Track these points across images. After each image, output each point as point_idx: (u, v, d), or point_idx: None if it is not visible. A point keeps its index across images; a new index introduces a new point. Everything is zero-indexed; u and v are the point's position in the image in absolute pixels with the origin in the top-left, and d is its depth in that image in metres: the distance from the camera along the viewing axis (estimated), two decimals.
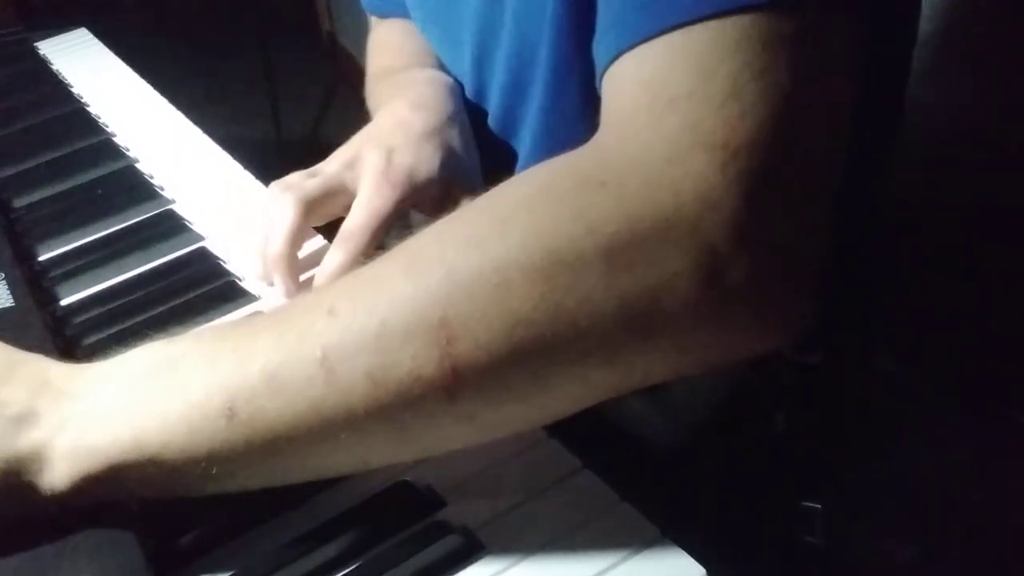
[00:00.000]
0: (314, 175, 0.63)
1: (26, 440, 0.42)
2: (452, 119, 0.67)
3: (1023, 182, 0.63)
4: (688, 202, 0.37)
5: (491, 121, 0.71)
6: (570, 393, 0.41)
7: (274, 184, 0.63)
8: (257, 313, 0.51)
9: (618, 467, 0.46)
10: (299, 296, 0.51)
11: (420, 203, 0.63)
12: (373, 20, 0.91)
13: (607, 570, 0.41)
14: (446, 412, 0.40)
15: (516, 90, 0.67)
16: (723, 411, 0.66)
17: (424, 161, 0.63)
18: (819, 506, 0.69)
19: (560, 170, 0.41)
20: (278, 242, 0.61)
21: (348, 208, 0.62)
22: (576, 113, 0.63)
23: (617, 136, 0.41)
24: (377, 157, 0.62)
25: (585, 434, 0.48)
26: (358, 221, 0.60)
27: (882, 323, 0.74)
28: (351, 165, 0.63)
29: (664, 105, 0.39)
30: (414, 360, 0.39)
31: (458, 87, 0.72)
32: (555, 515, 0.44)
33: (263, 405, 0.40)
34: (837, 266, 0.46)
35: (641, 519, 0.43)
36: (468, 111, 0.73)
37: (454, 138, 0.66)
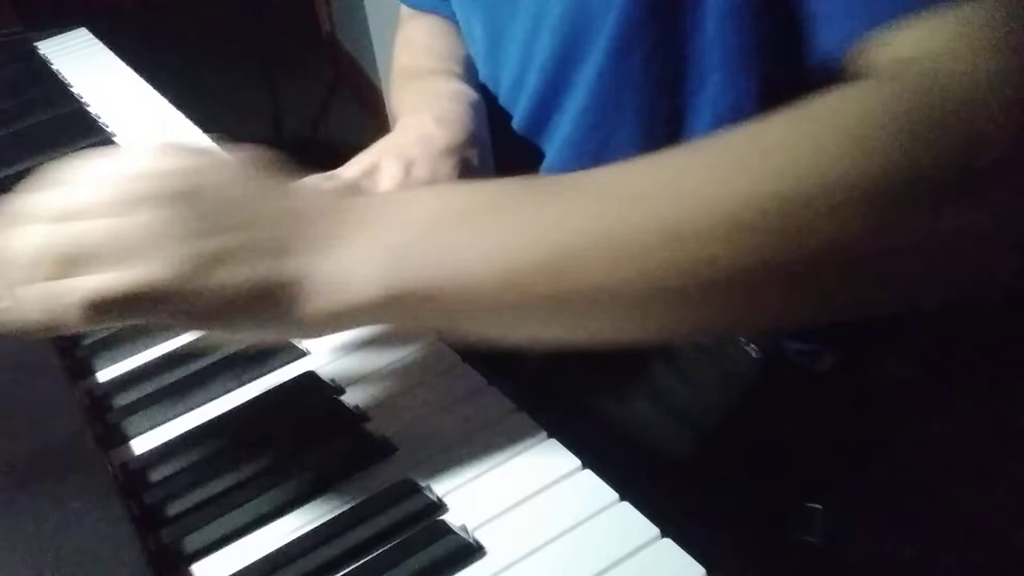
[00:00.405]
0: (332, 179, 0.63)
1: (278, 271, 0.42)
2: (473, 138, 0.67)
3: None
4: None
5: (527, 109, 0.72)
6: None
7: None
8: (560, 179, 0.45)
9: (618, 467, 0.46)
10: (593, 175, 0.45)
11: None
12: (404, 13, 0.91)
13: (607, 570, 0.41)
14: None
15: (564, 64, 0.67)
16: (727, 415, 0.66)
17: (442, 176, 0.63)
18: (819, 506, 0.69)
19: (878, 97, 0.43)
20: None
21: None
22: (632, 92, 0.63)
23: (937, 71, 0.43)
24: (396, 168, 0.62)
25: (585, 434, 0.48)
26: None
27: (885, 326, 0.74)
28: (369, 174, 0.63)
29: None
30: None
31: (481, 104, 0.73)
32: (555, 515, 0.44)
33: (588, 263, 0.41)
34: None
35: (641, 519, 0.43)
36: (506, 104, 0.74)
37: (473, 157, 0.66)
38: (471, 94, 0.72)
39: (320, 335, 0.46)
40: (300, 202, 0.44)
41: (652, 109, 0.64)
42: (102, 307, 0.40)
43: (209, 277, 0.41)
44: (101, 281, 0.40)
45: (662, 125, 0.64)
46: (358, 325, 0.45)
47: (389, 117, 0.78)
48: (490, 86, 0.78)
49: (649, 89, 0.63)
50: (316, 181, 0.63)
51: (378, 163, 0.63)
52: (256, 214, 0.43)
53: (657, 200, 0.41)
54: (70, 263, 0.41)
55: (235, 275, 0.41)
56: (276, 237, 0.42)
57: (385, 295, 0.42)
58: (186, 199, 0.42)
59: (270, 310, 0.42)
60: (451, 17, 0.86)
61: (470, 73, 0.78)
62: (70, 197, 0.42)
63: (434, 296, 0.42)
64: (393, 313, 0.43)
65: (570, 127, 0.69)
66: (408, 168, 0.62)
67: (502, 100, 0.76)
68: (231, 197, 0.43)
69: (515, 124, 0.74)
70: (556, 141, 0.71)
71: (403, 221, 0.43)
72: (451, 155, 0.64)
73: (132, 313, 0.41)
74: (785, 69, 0.59)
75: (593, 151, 0.68)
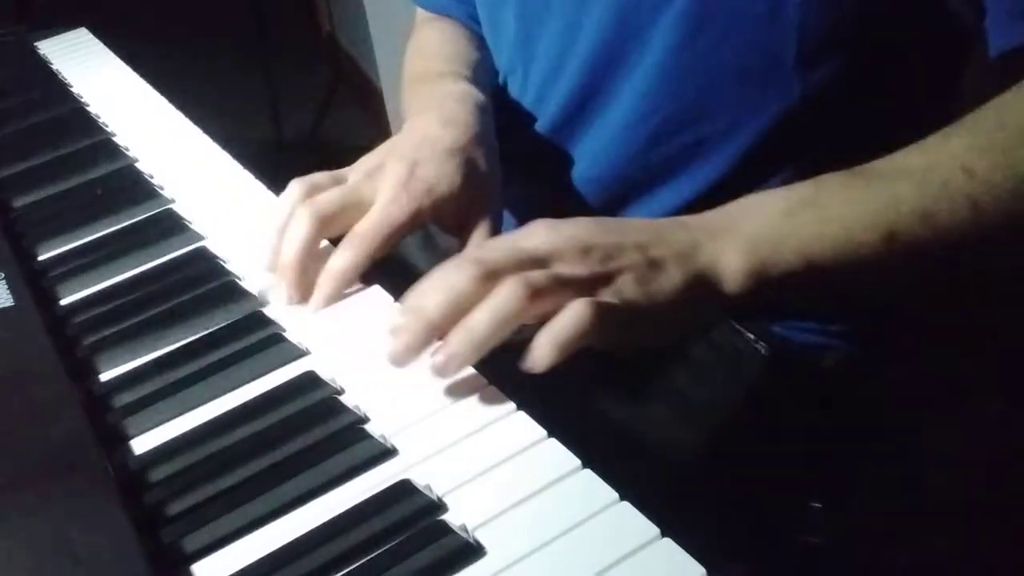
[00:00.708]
0: (339, 180, 0.64)
1: (699, 259, 0.54)
2: (480, 138, 0.68)
3: None
4: None
5: (566, 97, 0.72)
6: None
7: (297, 182, 0.63)
8: (860, 169, 0.57)
9: (618, 467, 0.46)
10: (902, 160, 0.57)
11: (439, 218, 0.64)
12: (418, 18, 0.91)
13: (607, 570, 0.41)
14: None
15: (615, 54, 0.68)
16: (730, 414, 0.66)
17: (446, 176, 0.63)
18: (820, 506, 0.69)
19: None
20: (290, 254, 0.61)
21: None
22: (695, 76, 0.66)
23: None
24: (400, 168, 0.63)
25: (585, 434, 0.48)
26: (370, 224, 0.61)
27: (889, 322, 0.74)
28: (373, 175, 0.63)
29: None
30: None
31: (489, 106, 0.73)
32: (555, 515, 0.44)
33: (918, 235, 0.54)
34: None
35: (641, 519, 0.43)
36: (538, 95, 0.75)
37: (479, 157, 0.66)
38: (478, 96, 0.73)
39: (744, 304, 0.55)
40: (672, 220, 0.56)
41: (723, 94, 0.66)
42: (597, 327, 0.49)
43: (662, 282, 0.52)
44: (597, 304, 0.49)
45: (740, 112, 0.66)
46: (771, 292, 0.55)
47: (390, 120, 0.79)
48: (518, 77, 0.78)
49: (719, 75, 0.65)
50: (322, 179, 0.63)
51: (383, 163, 0.64)
52: (659, 229, 0.55)
53: (953, 179, 0.54)
54: (546, 295, 0.49)
55: (676, 275, 0.53)
56: (684, 240, 0.54)
57: (752, 271, 0.54)
58: (612, 237, 0.53)
59: (705, 294, 0.53)
60: (465, 20, 0.86)
61: (480, 76, 0.78)
62: (535, 245, 0.52)
63: (793, 271, 0.54)
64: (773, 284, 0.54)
65: (621, 114, 0.69)
66: (412, 168, 0.63)
67: (534, 92, 0.76)
68: (636, 226, 0.55)
69: (550, 115, 0.74)
70: (604, 128, 0.71)
71: (760, 215, 0.55)
72: (456, 155, 0.65)
73: (614, 328, 0.50)
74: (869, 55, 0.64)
75: (649, 134, 0.69)
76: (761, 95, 0.65)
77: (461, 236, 0.64)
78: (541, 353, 0.48)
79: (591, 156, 0.73)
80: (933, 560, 0.72)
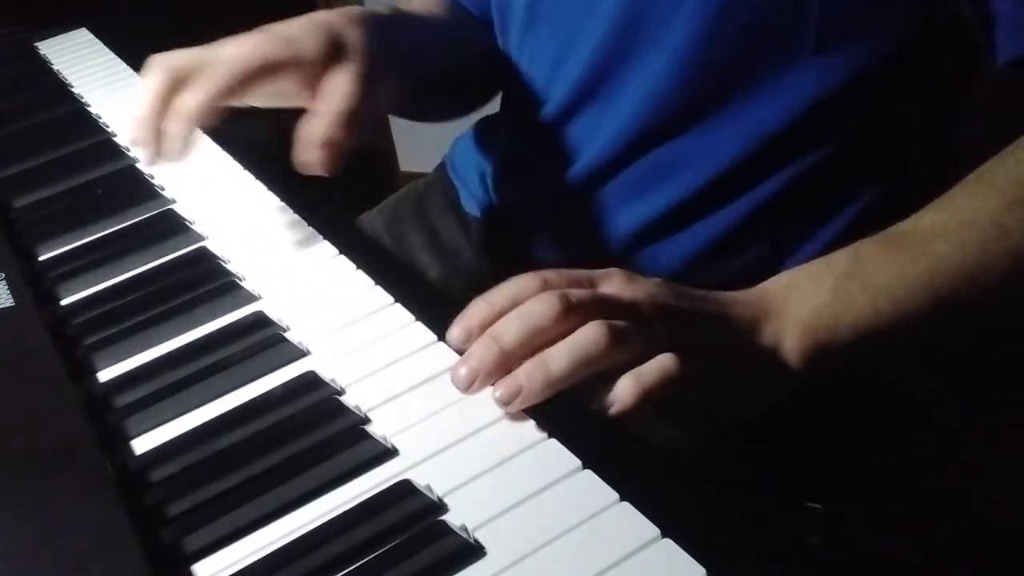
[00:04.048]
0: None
1: (763, 339, 0.54)
2: (359, 23, 0.66)
3: None
4: None
5: (577, 81, 0.72)
6: None
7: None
8: (893, 233, 0.58)
9: (618, 467, 0.46)
10: (930, 219, 0.58)
11: (290, 76, 0.62)
12: None
13: (607, 570, 0.41)
14: None
15: (631, 35, 0.68)
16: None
17: (305, 34, 0.63)
18: (819, 506, 0.69)
19: None
20: (140, 108, 0.61)
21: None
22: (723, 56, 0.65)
23: None
24: (257, 31, 0.63)
25: (585, 434, 0.48)
26: (219, 64, 0.60)
27: None
28: (223, 41, 0.63)
29: None
30: None
31: (401, 18, 0.74)
32: (555, 515, 0.44)
33: (964, 297, 0.55)
34: None
35: (641, 519, 0.43)
36: (547, 78, 0.74)
37: (354, 36, 0.64)
38: (387, 12, 0.73)
39: (806, 379, 0.55)
40: (730, 297, 0.56)
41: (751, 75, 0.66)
42: (681, 382, 0.49)
43: (735, 355, 0.53)
44: (683, 360, 0.49)
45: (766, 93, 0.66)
46: (829, 366, 0.56)
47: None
48: (524, 60, 0.77)
49: (736, 64, 0.65)
50: (169, 58, 0.62)
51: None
52: (724, 303, 0.55)
53: (989, 237, 0.55)
54: (628, 346, 0.49)
55: (746, 350, 0.54)
56: (748, 319, 0.54)
57: (810, 353, 0.55)
58: (686, 303, 0.53)
59: (772, 371, 0.54)
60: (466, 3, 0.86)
61: (417, 25, 0.78)
62: (615, 294, 0.52)
63: (848, 347, 0.55)
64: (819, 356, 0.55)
65: (633, 101, 0.69)
66: (270, 29, 0.63)
67: (541, 76, 0.75)
68: (704, 297, 0.55)
69: (557, 100, 0.73)
70: (613, 114, 0.71)
71: (808, 295, 0.56)
72: (322, 25, 0.64)
73: (695, 389, 0.50)
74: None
75: (659, 123, 0.69)
76: (777, 87, 0.65)
77: (315, 98, 0.62)
78: (624, 395, 0.48)
79: (599, 142, 0.72)
80: (933, 559, 0.72)
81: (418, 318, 0.58)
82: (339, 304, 0.60)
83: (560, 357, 0.48)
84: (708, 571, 0.40)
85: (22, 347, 0.59)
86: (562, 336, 0.48)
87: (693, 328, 0.53)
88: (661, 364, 0.49)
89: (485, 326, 0.50)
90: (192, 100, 0.60)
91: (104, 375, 0.58)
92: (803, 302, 0.56)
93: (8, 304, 0.62)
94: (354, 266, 0.64)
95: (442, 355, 0.55)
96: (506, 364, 0.48)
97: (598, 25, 0.68)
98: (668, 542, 0.42)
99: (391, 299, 0.60)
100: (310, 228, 0.68)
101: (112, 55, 1.07)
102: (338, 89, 0.61)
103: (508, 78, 0.81)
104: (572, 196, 0.74)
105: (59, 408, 0.54)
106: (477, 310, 0.51)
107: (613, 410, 0.48)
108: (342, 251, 0.65)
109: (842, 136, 0.67)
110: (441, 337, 0.56)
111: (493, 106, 0.89)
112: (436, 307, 0.58)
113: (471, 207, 0.86)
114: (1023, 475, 0.78)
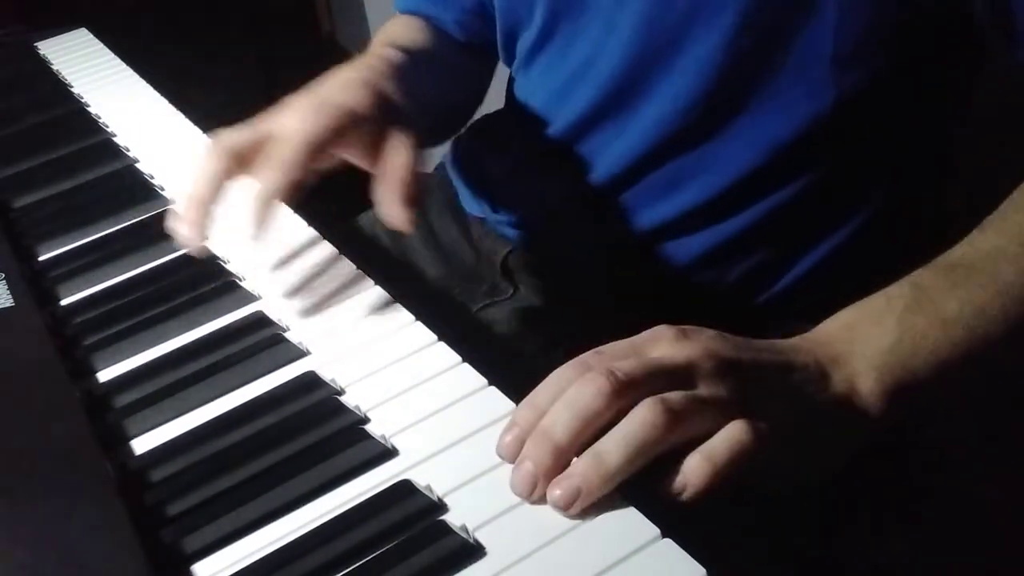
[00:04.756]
0: (242, 131, 0.62)
1: (834, 387, 0.51)
2: (390, 76, 0.67)
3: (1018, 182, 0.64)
4: None
5: (601, 89, 0.71)
6: None
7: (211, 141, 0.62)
8: (952, 262, 0.56)
9: None
10: (950, 263, 0.56)
11: (354, 144, 0.62)
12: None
13: (607, 570, 0.41)
14: None
15: (658, 48, 0.67)
16: None
17: (357, 100, 0.62)
18: (819, 506, 0.69)
19: None
20: (194, 186, 0.59)
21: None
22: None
23: None
24: (306, 99, 0.62)
25: None
26: (286, 145, 0.58)
27: None
28: (279, 114, 0.62)
29: None
30: None
31: (409, 61, 0.73)
32: (555, 515, 0.44)
33: (986, 329, 0.53)
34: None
35: (641, 519, 0.43)
36: (565, 89, 0.74)
37: (392, 89, 0.65)
38: (399, 54, 0.72)
39: (888, 423, 0.52)
40: (790, 344, 0.52)
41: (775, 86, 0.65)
42: (755, 453, 0.45)
43: (807, 407, 0.49)
44: (755, 426, 0.46)
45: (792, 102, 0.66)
46: (910, 405, 0.54)
47: None
48: (537, 71, 0.77)
49: (757, 74, 0.65)
50: (230, 137, 0.61)
51: (287, 104, 0.62)
52: (785, 351, 0.51)
53: None
54: (686, 420, 0.45)
55: (817, 400, 0.50)
56: (814, 366, 0.51)
57: (890, 393, 0.52)
58: (748, 355, 0.49)
59: (849, 421, 0.51)
60: (433, 18, 0.86)
61: (420, 60, 0.77)
62: (669, 358, 0.47)
63: (928, 381, 0.53)
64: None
65: (654, 112, 0.69)
66: (318, 94, 0.62)
67: (557, 86, 0.75)
68: (763, 347, 0.51)
69: (577, 110, 0.73)
70: (633, 126, 0.71)
71: (874, 333, 0.53)
72: (365, 85, 0.63)
73: (772, 454, 0.47)
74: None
75: (677, 133, 0.69)
76: (796, 97, 0.65)
77: (376, 164, 0.62)
78: (696, 477, 0.44)
79: (616, 152, 0.72)
80: (932, 559, 0.72)
81: (418, 318, 0.58)
82: (339, 304, 0.60)
83: (616, 449, 0.44)
84: (708, 571, 0.40)
85: (22, 347, 0.59)
86: (619, 415, 0.45)
87: (759, 384, 0.48)
88: (732, 436, 0.45)
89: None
90: (268, 184, 0.58)
91: (104, 375, 0.58)
92: (870, 342, 0.52)
93: (8, 304, 0.62)
94: (354, 266, 0.64)
95: (442, 355, 0.55)
96: (562, 460, 0.44)
97: (618, 42, 0.69)
98: (668, 542, 0.42)
99: (391, 299, 0.60)
100: (310, 228, 0.68)
101: (112, 55, 1.07)
102: (400, 161, 0.61)
103: (514, 93, 0.81)
104: (584, 203, 0.74)
105: (59, 408, 0.54)
106: (524, 415, 0.47)
107: (685, 496, 0.44)
108: (342, 251, 0.65)
109: (855, 144, 0.67)
110: (441, 337, 0.56)
111: (491, 106, 0.89)
112: (436, 307, 0.58)
113: (471, 207, 0.86)
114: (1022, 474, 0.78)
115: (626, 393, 0.45)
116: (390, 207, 0.59)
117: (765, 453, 0.46)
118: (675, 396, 0.45)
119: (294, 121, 0.60)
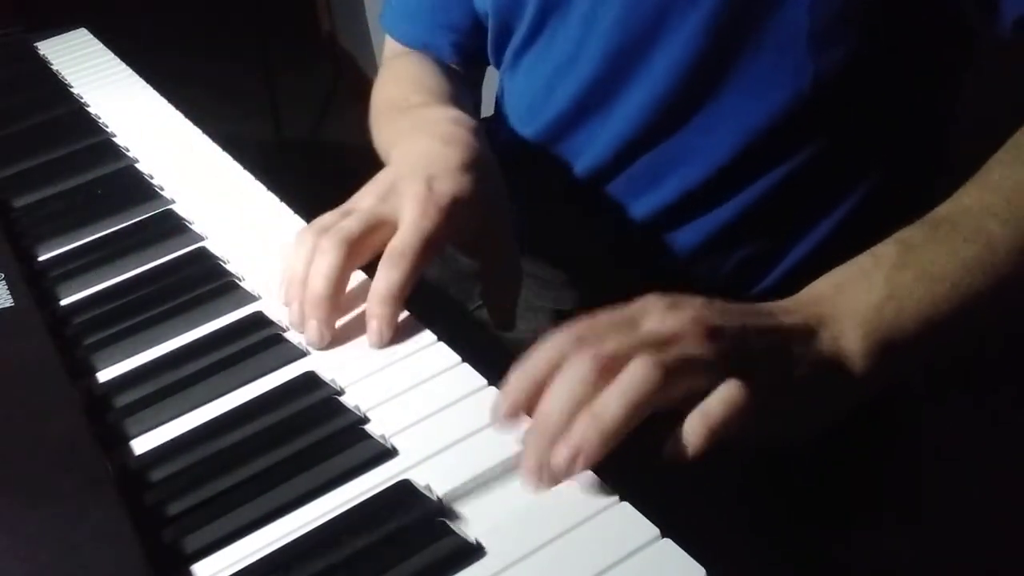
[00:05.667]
0: (347, 213, 0.60)
1: (821, 346, 0.51)
2: (484, 157, 0.65)
3: None
4: None
5: (586, 81, 0.72)
6: None
7: (307, 227, 0.60)
8: (937, 218, 0.55)
9: (619, 468, 0.46)
10: (938, 223, 0.55)
11: (459, 235, 0.61)
12: (388, 52, 0.90)
13: (607, 570, 0.41)
14: None
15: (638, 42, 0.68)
16: None
17: (465, 191, 0.60)
18: (819, 507, 0.69)
19: None
20: (321, 284, 0.56)
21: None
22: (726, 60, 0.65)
23: None
24: (418, 185, 0.59)
25: None
26: (408, 240, 0.57)
27: None
28: (386, 198, 0.60)
29: None
30: None
31: (482, 128, 0.71)
32: (555, 515, 0.44)
33: (1020, 273, 0.53)
34: None
35: (641, 519, 0.43)
36: (548, 87, 0.75)
37: (488, 175, 0.64)
38: (470, 120, 0.71)
39: (876, 385, 0.52)
40: (774, 306, 0.52)
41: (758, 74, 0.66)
42: (751, 410, 0.46)
43: (793, 368, 0.49)
44: (748, 386, 0.46)
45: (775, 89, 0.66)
46: (897, 367, 0.53)
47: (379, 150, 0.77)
48: (524, 67, 0.78)
49: (738, 57, 0.65)
50: (333, 218, 0.60)
51: (394, 186, 0.61)
52: (771, 314, 0.51)
53: None
54: (680, 377, 0.46)
55: (804, 361, 0.50)
56: (799, 327, 0.51)
57: (874, 351, 0.51)
58: (734, 320, 0.49)
59: (835, 381, 0.51)
60: (440, 56, 0.86)
61: (465, 108, 0.76)
62: (655, 328, 0.48)
63: (914, 340, 0.52)
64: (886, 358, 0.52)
65: (637, 101, 0.69)
66: (430, 183, 0.59)
67: (543, 81, 0.75)
68: (749, 311, 0.51)
69: (561, 103, 0.74)
70: (616, 116, 0.71)
71: (860, 290, 0.53)
72: (468, 170, 0.62)
73: (764, 413, 0.47)
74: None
75: (661, 120, 0.69)
76: (775, 77, 0.65)
77: (481, 255, 0.63)
78: (694, 439, 0.45)
79: (600, 144, 0.72)
80: (932, 558, 0.72)
81: (417, 318, 0.58)
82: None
83: (613, 403, 0.44)
84: (708, 571, 0.40)
85: (22, 347, 0.59)
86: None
87: (749, 345, 0.49)
88: (726, 395, 0.46)
89: (530, 398, 0.47)
90: (392, 281, 0.56)
91: (104, 375, 0.58)
92: (858, 300, 0.52)
93: (8, 304, 0.62)
94: None
95: (442, 355, 0.55)
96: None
97: (598, 35, 0.69)
98: (668, 542, 0.42)
99: None
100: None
101: (112, 55, 1.07)
102: (507, 269, 0.64)
103: (502, 95, 0.81)
104: (574, 198, 0.75)
105: (59, 408, 0.54)
106: (518, 383, 0.47)
107: (686, 455, 0.45)
108: None
109: (840, 127, 0.68)
110: (440, 337, 0.56)
111: (489, 108, 0.89)
112: (435, 308, 0.58)
113: None
114: (1022, 475, 0.78)
115: (614, 368, 0.46)
116: (502, 317, 0.63)
117: (758, 412, 0.47)
118: (668, 354, 0.46)
119: (412, 215, 0.58)
